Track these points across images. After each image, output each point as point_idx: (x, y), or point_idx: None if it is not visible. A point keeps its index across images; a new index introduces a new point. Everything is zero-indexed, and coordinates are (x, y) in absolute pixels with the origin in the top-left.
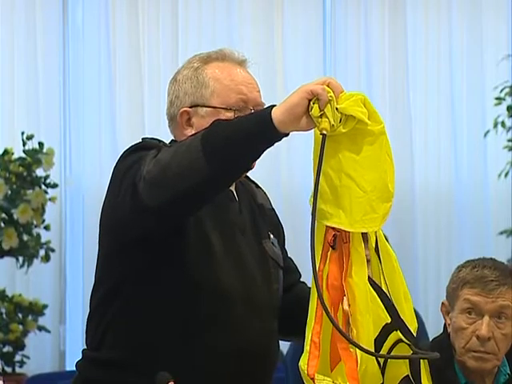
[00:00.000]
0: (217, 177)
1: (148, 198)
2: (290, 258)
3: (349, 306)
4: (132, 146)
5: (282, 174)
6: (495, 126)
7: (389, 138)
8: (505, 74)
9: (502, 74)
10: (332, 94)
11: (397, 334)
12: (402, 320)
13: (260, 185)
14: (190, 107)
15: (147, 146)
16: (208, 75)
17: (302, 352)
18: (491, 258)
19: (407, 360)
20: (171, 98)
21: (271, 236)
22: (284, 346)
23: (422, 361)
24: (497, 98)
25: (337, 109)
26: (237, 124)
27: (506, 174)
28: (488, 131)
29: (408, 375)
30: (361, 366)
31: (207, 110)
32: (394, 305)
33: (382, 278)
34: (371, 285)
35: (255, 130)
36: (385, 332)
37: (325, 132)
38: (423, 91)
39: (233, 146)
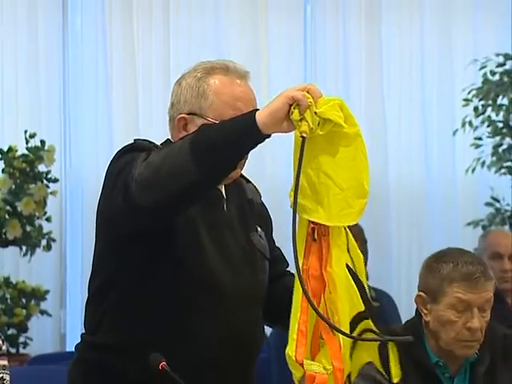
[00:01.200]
0: (205, 178)
1: (141, 198)
2: (278, 248)
3: (330, 293)
4: (124, 146)
5: (265, 168)
6: (463, 125)
7: (365, 137)
8: (472, 78)
9: (469, 78)
10: (311, 99)
11: (365, 324)
12: (373, 308)
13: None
14: (188, 114)
15: (139, 147)
16: (209, 87)
17: (287, 340)
18: (461, 249)
19: (372, 347)
20: (173, 101)
21: (259, 229)
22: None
23: (390, 347)
24: (465, 100)
25: (315, 113)
26: (223, 128)
27: (473, 170)
28: (456, 130)
29: (369, 362)
30: (343, 350)
31: (203, 120)
32: (368, 294)
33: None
34: (349, 272)
35: (241, 133)
36: (357, 319)
37: (304, 135)
38: (397, 93)
39: (220, 148)
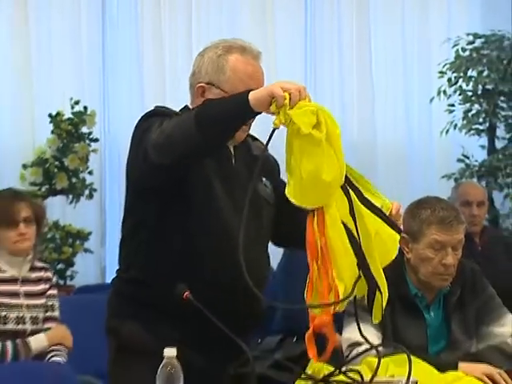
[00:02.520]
0: (208, 145)
1: (157, 158)
2: None
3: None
4: (146, 113)
5: None
6: (438, 93)
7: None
8: (446, 53)
9: (444, 53)
10: (288, 101)
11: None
12: (365, 262)
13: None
14: (207, 84)
15: (158, 112)
16: (227, 64)
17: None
18: (437, 197)
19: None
20: (194, 70)
21: (264, 179)
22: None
23: (378, 294)
24: (440, 72)
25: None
26: (222, 104)
27: (447, 132)
28: (433, 98)
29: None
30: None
31: (219, 91)
32: (361, 248)
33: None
34: (347, 233)
35: (236, 109)
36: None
37: (274, 126)
38: (383, 66)
39: (219, 121)
